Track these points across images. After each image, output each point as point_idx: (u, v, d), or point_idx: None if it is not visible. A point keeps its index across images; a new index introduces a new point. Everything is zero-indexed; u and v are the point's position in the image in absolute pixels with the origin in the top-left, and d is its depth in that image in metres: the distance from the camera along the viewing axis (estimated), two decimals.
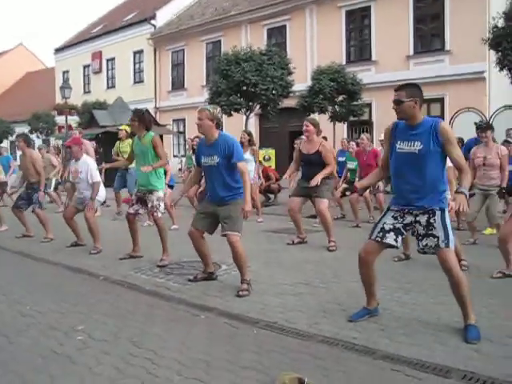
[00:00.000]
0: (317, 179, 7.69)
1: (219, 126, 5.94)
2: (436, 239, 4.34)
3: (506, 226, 6.30)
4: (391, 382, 3.51)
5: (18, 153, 10.74)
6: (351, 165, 11.62)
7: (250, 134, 11.60)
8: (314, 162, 8.07)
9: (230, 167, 5.79)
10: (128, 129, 11.86)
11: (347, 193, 5.31)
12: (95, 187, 8.32)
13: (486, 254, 7.45)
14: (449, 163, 4.56)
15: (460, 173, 4.37)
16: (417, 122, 4.40)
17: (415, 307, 5.13)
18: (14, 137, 9.96)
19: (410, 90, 4.43)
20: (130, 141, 10.73)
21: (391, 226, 4.52)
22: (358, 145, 11.34)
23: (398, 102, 4.38)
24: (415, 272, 6.53)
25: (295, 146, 12.42)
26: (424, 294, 5.55)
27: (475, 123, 9.45)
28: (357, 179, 10.55)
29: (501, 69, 14.76)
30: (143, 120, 7.32)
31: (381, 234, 4.55)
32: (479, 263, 6.70)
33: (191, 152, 12.31)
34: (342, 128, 21.51)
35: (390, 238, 4.52)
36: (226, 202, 5.83)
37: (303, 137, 8.61)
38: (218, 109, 6.11)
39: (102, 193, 8.66)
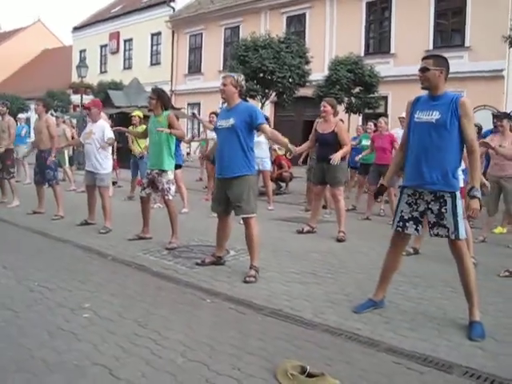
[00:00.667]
0: (337, 158, 7.75)
1: (242, 94, 5.97)
2: (446, 230, 4.37)
3: None
4: (393, 374, 3.51)
5: (33, 121, 10.70)
6: (367, 142, 11.59)
7: (266, 119, 11.58)
8: (328, 142, 8.11)
9: (246, 131, 5.78)
10: (141, 114, 11.86)
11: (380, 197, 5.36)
12: (110, 140, 8.50)
13: (494, 253, 7.42)
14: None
15: (469, 153, 4.37)
16: (439, 93, 4.42)
17: (421, 301, 5.12)
18: (33, 107, 9.91)
19: (437, 59, 4.50)
20: (143, 126, 10.78)
21: (410, 215, 4.55)
22: (375, 125, 11.24)
23: (424, 69, 4.42)
24: (423, 267, 6.52)
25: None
26: (431, 289, 5.54)
27: (492, 114, 9.34)
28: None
29: None
30: (162, 98, 7.35)
31: (401, 223, 4.60)
32: (487, 261, 6.67)
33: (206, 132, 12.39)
34: (357, 120, 21.41)
35: (411, 228, 4.58)
36: (235, 178, 5.80)
37: (316, 121, 8.65)
38: (242, 76, 6.11)
39: (109, 165, 8.73)
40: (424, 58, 4.51)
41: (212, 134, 10.17)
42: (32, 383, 3.28)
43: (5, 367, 3.47)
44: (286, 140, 6.20)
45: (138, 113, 11.98)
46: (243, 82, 6.00)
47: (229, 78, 5.87)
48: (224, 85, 5.86)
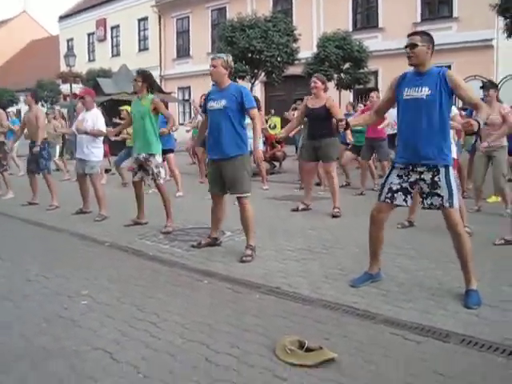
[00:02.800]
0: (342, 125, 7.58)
1: (231, 74, 5.95)
2: (440, 198, 4.36)
3: None
4: (390, 345, 3.55)
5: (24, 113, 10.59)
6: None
7: (256, 100, 11.54)
8: (319, 117, 8.10)
9: (237, 112, 5.77)
10: (129, 109, 11.82)
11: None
12: (99, 130, 8.41)
13: (489, 222, 7.43)
14: (453, 111, 4.51)
15: (477, 109, 4.36)
16: (425, 70, 4.41)
17: (417, 273, 5.15)
18: (23, 99, 9.78)
19: (424, 35, 4.47)
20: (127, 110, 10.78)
21: (398, 186, 4.54)
22: (365, 105, 11.22)
23: (412, 46, 4.38)
24: (418, 239, 6.55)
25: (294, 106, 12.65)
26: (427, 261, 5.57)
27: (482, 82, 9.33)
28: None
29: (508, 35, 14.59)
30: (147, 79, 7.29)
31: (389, 194, 4.58)
32: (482, 230, 6.69)
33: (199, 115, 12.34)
34: (348, 96, 21.38)
35: (399, 199, 4.56)
36: (229, 158, 5.80)
37: (305, 98, 8.64)
38: (231, 57, 6.07)
39: (100, 152, 8.67)
40: (410, 35, 4.49)
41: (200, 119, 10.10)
42: (33, 370, 3.30)
43: (6, 356, 3.49)
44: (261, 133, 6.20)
45: (126, 107, 12.02)
46: (232, 63, 5.99)
47: (219, 60, 5.82)
48: (214, 66, 5.82)
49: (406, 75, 4.58)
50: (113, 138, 11.11)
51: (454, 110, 4.49)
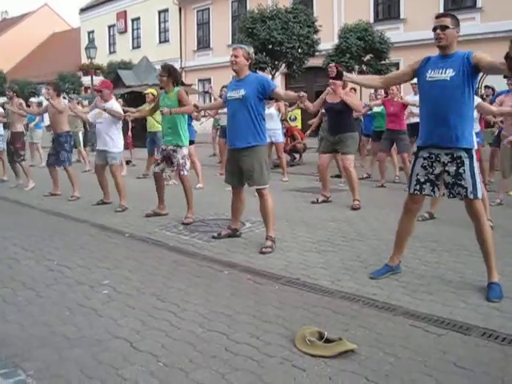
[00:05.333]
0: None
1: (251, 66, 5.96)
2: (464, 190, 4.33)
3: None
4: (410, 337, 3.54)
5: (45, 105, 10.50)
6: (378, 108, 11.39)
7: None
8: (338, 111, 8.04)
9: (257, 102, 5.76)
10: (154, 92, 11.83)
11: None
12: (117, 111, 8.43)
13: (511, 216, 7.37)
14: (476, 100, 4.42)
15: (501, 69, 4.18)
16: (451, 53, 4.33)
17: (438, 266, 5.12)
18: (44, 91, 9.59)
19: (453, 17, 4.37)
20: (149, 104, 10.76)
21: (426, 178, 4.53)
22: (386, 93, 11.09)
23: (444, 28, 4.28)
24: (439, 231, 6.50)
25: None
26: (447, 253, 5.53)
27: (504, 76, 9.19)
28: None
29: None
30: (172, 74, 7.32)
31: (418, 186, 4.57)
32: (504, 224, 6.64)
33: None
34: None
35: (428, 189, 4.55)
36: (246, 149, 5.80)
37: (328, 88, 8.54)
38: (252, 49, 6.09)
39: (121, 144, 8.71)
40: (440, 16, 4.39)
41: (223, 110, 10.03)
42: (55, 357, 3.34)
43: (28, 344, 3.53)
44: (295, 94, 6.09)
45: (151, 90, 12.00)
46: (253, 55, 5.99)
47: (241, 50, 5.82)
48: (236, 56, 5.81)
49: (429, 58, 4.50)
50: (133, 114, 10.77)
51: (477, 99, 4.40)
